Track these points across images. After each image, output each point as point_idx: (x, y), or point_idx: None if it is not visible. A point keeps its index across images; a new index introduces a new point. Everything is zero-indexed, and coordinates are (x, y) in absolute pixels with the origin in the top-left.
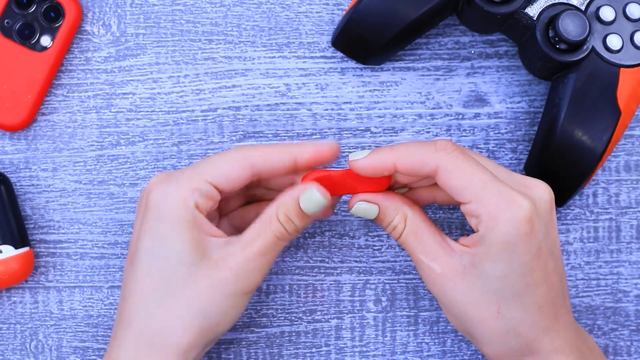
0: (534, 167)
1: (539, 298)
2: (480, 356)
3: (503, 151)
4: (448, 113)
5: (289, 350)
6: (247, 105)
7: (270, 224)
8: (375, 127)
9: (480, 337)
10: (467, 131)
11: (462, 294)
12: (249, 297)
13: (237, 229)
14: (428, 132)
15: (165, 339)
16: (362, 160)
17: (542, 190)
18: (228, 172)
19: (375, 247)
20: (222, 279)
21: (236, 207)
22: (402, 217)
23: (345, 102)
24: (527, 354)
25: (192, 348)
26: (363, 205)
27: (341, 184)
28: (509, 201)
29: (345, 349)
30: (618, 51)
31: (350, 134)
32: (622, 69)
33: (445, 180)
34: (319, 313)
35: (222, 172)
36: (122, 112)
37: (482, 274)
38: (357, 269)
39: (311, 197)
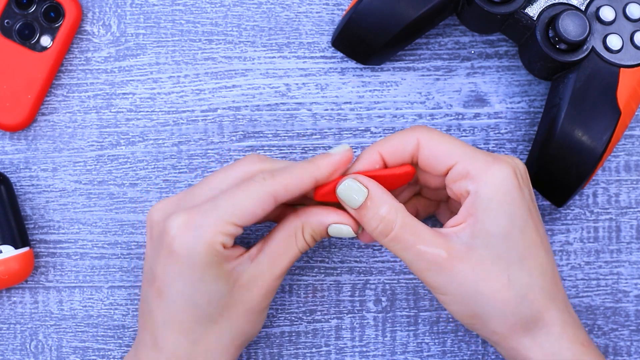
0: (534, 167)
1: (541, 261)
2: (480, 356)
3: (503, 151)
4: (448, 113)
5: (289, 350)
6: (247, 105)
7: (297, 241)
8: (375, 127)
9: (493, 313)
10: (467, 131)
11: (471, 271)
12: (270, 302)
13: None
14: None
15: (210, 358)
16: (352, 168)
17: (516, 161)
18: (253, 211)
19: (375, 247)
20: (254, 300)
21: None
22: (392, 209)
23: (345, 102)
24: (540, 325)
25: None
26: (352, 184)
27: None
28: (493, 158)
29: (345, 349)
30: (618, 51)
31: (350, 134)
32: (622, 69)
33: (429, 150)
34: (319, 313)
35: (246, 212)
36: (122, 112)
37: (486, 239)
38: (357, 269)
39: (341, 230)
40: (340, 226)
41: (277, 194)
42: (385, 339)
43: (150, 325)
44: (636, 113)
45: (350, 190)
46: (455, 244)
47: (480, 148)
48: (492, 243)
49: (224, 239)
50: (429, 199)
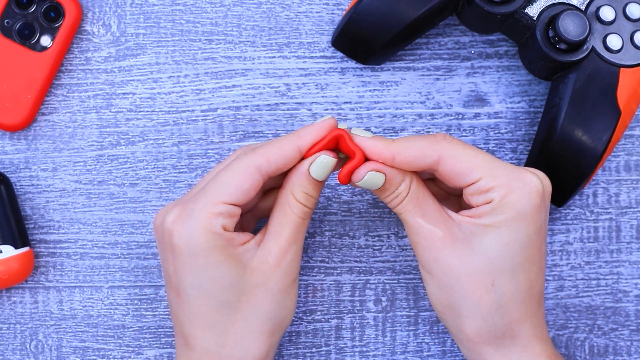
0: (534, 167)
1: (531, 276)
2: None
3: (503, 151)
4: (448, 113)
5: (289, 350)
6: (247, 105)
7: (291, 208)
8: (375, 127)
9: (467, 312)
10: (467, 131)
11: (460, 260)
12: (296, 283)
13: (261, 219)
14: (428, 132)
15: (243, 348)
16: (362, 140)
17: (543, 176)
18: (239, 185)
19: (375, 247)
20: (270, 280)
21: (256, 202)
22: (407, 184)
23: (345, 102)
24: (508, 337)
25: (270, 348)
26: (372, 175)
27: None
28: (519, 174)
29: (345, 349)
30: (618, 51)
31: None
32: (622, 69)
33: (451, 166)
34: (319, 313)
35: (233, 188)
36: (122, 112)
37: (485, 243)
38: (357, 269)
39: (322, 162)
40: (318, 160)
41: (260, 166)
42: (385, 339)
43: (179, 327)
44: (636, 113)
45: (372, 182)
46: (455, 229)
47: (480, 148)
48: (489, 247)
49: (218, 220)
50: (441, 188)
